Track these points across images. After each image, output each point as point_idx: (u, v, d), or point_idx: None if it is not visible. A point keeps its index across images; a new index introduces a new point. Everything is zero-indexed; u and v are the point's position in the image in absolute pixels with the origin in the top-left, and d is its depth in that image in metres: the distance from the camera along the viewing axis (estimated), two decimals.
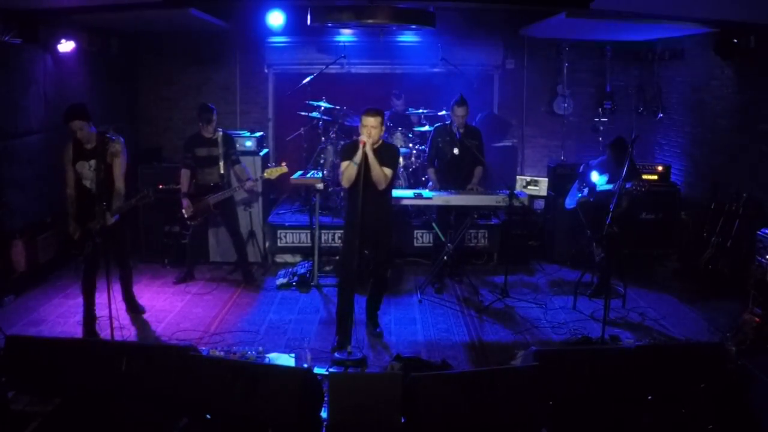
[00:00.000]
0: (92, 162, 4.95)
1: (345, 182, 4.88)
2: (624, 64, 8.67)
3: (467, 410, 3.41)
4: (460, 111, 6.15)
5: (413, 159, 7.39)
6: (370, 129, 4.72)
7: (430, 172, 6.51)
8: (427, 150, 6.67)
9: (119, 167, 5.04)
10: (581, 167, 6.36)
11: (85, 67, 7.20)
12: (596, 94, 8.73)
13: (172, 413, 3.64)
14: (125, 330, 5.16)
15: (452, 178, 6.34)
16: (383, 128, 4.86)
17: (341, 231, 5.88)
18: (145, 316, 5.59)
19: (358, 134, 4.79)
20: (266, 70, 8.70)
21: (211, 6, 6.84)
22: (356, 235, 4.79)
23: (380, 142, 4.90)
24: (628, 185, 5.36)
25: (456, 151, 6.29)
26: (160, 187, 6.79)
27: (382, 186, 4.85)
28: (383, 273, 5.31)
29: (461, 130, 6.22)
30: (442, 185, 6.34)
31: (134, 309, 5.63)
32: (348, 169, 4.79)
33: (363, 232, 4.78)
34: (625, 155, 5.41)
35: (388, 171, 4.85)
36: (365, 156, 4.68)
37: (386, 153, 4.90)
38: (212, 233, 7.01)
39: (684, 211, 7.32)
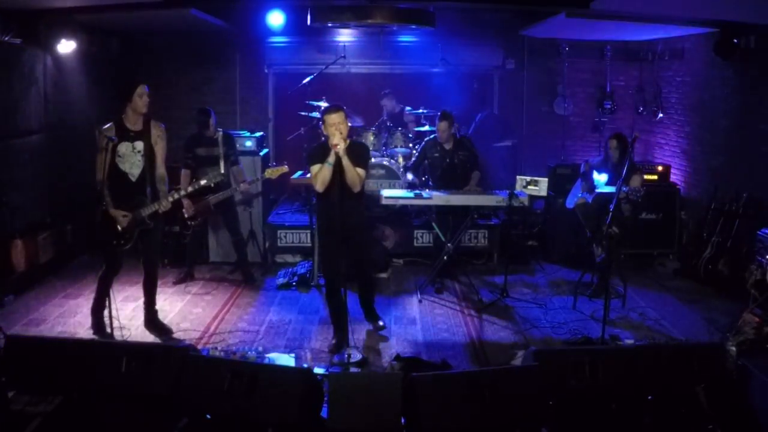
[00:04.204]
0: (137, 144, 4.79)
1: (319, 186, 4.66)
2: (624, 64, 8.67)
3: (467, 410, 3.41)
4: (442, 126, 6.21)
5: (413, 159, 7.39)
6: (338, 126, 4.54)
7: (409, 174, 6.61)
8: (414, 157, 6.72)
9: (162, 152, 4.95)
10: (582, 166, 6.37)
11: (85, 67, 7.20)
12: (596, 94, 8.73)
13: (172, 413, 3.64)
14: (125, 330, 5.16)
15: (448, 185, 6.34)
16: (348, 123, 4.70)
17: None
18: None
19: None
20: (266, 70, 8.71)
21: (211, 6, 6.84)
22: (336, 239, 4.71)
23: (348, 141, 4.70)
24: (625, 189, 5.36)
25: (446, 165, 6.35)
26: None
27: (357, 188, 4.71)
28: (368, 272, 5.29)
29: (447, 145, 6.27)
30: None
31: (156, 326, 5.23)
32: (322, 172, 4.61)
33: (340, 235, 4.69)
34: (624, 150, 5.40)
35: (361, 171, 4.71)
36: (338, 158, 4.53)
37: (356, 152, 4.72)
38: (212, 233, 7.02)
39: (684, 211, 7.33)
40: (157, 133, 4.92)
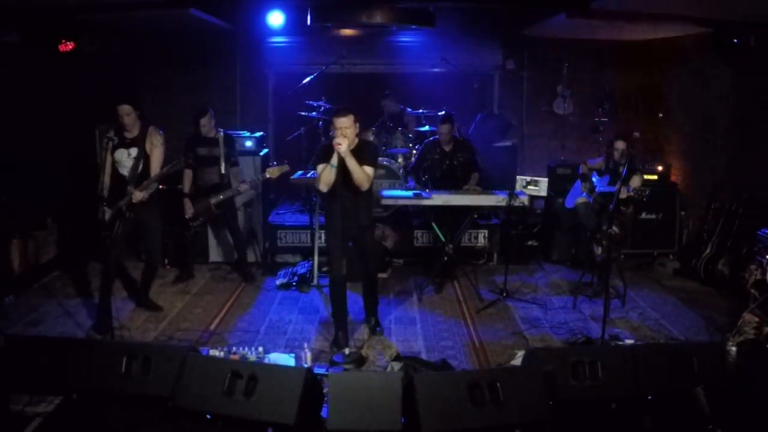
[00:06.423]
0: (132, 150, 5.01)
1: (323, 186, 4.66)
2: (624, 64, 8.67)
3: (467, 410, 3.41)
4: (444, 128, 6.23)
5: (413, 159, 7.40)
6: (343, 130, 4.53)
7: (412, 177, 6.65)
8: (413, 161, 6.73)
9: (158, 158, 5.12)
10: (579, 168, 6.36)
11: (85, 67, 7.19)
12: (596, 94, 8.73)
13: (172, 413, 3.64)
14: (125, 330, 5.17)
15: (447, 187, 6.35)
16: (357, 127, 4.67)
17: None
18: (145, 316, 5.58)
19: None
20: (266, 70, 8.70)
21: (212, 6, 6.83)
22: (339, 238, 4.76)
23: (356, 141, 4.70)
24: (630, 189, 5.36)
25: (445, 166, 6.34)
26: (161, 187, 6.77)
27: (365, 187, 4.69)
28: (372, 272, 5.29)
29: (447, 147, 6.27)
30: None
31: (146, 305, 5.64)
32: (325, 173, 4.60)
33: (345, 234, 4.76)
34: (628, 150, 5.41)
35: (369, 170, 4.68)
36: (342, 159, 4.50)
37: (364, 151, 4.71)
38: (212, 233, 7.02)
39: (684, 211, 7.33)
40: (153, 141, 5.08)
